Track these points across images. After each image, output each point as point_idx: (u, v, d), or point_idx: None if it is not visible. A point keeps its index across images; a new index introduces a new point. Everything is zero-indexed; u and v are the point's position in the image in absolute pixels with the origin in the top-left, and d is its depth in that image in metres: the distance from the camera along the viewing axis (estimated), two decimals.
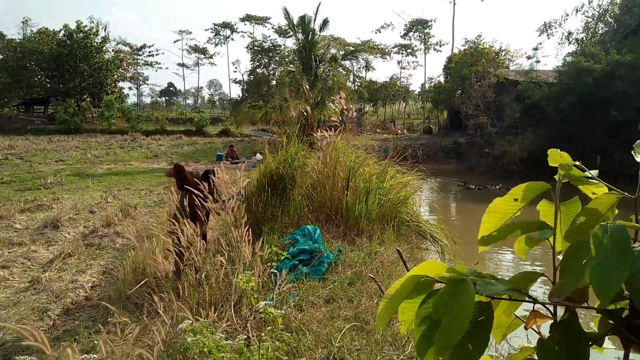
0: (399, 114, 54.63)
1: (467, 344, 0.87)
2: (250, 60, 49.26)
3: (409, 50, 49.55)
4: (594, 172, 1.02)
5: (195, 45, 64.03)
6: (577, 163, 1.01)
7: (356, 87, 47.30)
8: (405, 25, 45.81)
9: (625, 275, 0.75)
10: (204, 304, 4.39)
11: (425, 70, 53.35)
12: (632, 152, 1.04)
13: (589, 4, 28.27)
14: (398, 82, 51.47)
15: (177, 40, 66.34)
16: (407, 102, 58.73)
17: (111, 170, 18.23)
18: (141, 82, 66.18)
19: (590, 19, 27.52)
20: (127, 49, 55.76)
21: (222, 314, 4.34)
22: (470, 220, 12.25)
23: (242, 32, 65.03)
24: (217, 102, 77.90)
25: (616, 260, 0.77)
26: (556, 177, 1.03)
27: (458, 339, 0.84)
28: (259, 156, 21.10)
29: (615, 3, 26.07)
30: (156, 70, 67.96)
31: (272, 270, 4.62)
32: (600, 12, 26.78)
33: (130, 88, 66.79)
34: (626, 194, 0.94)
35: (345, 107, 8.51)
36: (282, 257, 3.25)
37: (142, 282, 4.65)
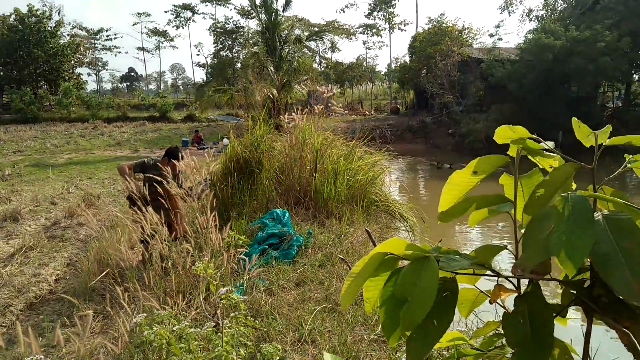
0: (366, 94, 54.69)
1: (432, 319, 0.87)
2: (213, 43, 48.26)
3: (374, 30, 49.44)
4: (551, 144, 1.03)
5: (155, 28, 62.22)
6: (534, 136, 1.01)
7: (322, 69, 47.03)
8: (369, 4, 45.64)
9: (590, 244, 0.76)
10: (171, 293, 4.31)
11: (391, 50, 53.49)
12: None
13: None
14: (364, 63, 51.43)
15: (135, 23, 64.36)
16: (374, 83, 58.84)
17: (72, 160, 17.65)
18: (100, 68, 64.04)
19: None
20: (83, 33, 53.69)
21: (191, 301, 4.28)
22: (438, 199, 12.42)
23: (203, 13, 63.58)
24: (180, 87, 76.34)
25: (579, 230, 0.78)
26: (509, 152, 1.04)
27: (423, 317, 0.84)
28: (225, 141, 20.78)
29: None
30: (115, 55, 65.73)
31: (241, 256, 4.57)
32: None
33: (89, 74, 64.74)
34: (583, 164, 0.95)
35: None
36: (240, 242, 3.18)
37: (104, 273, 4.51)
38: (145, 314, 2.64)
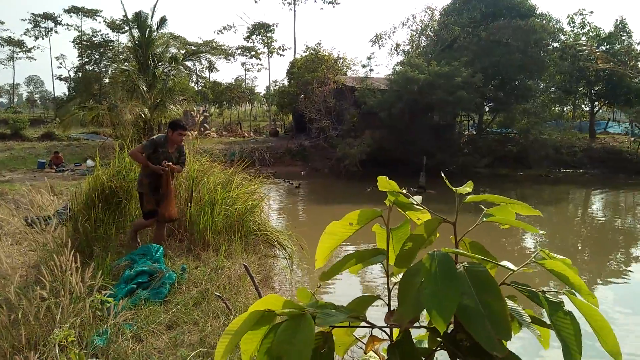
0: (246, 116, 54.53)
1: None
2: (78, 56, 44.86)
3: (252, 53, 49.69)
4: (419, 199, 1.13)
5: (10, 37, 56.18)
6: (404, 191, 1.12)
7: (200, 88, 46.02)
8: (248, 28, 45.83)
9: (457, 302, 0.84)
10: (20, 347, 3.74)
11: (270, 73, 54.19)
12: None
13: (413, 19, 31.43)
14: (243, 84, 51.33)
15: None
16: (253, 104, 58.97)
17: None
18: None
19: (414, 33, 30.53)
20: None
21: (45, 354, 3.73)
22: (318, 223, 12.57)
23: (67, 24, 58.71)
24: (38, 101, 69.32)
25: (446, 288, 0.85)
26: (387, 202, 1.14)
27: None
28: (90, 163, 19.16)
29: (435, 19, 29.34)
30: None
31: (105, 298, 4.12)
32: (422, 27, 29.86)
33: None
34: (446, 218, 1.07)
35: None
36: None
37: None
38: None
